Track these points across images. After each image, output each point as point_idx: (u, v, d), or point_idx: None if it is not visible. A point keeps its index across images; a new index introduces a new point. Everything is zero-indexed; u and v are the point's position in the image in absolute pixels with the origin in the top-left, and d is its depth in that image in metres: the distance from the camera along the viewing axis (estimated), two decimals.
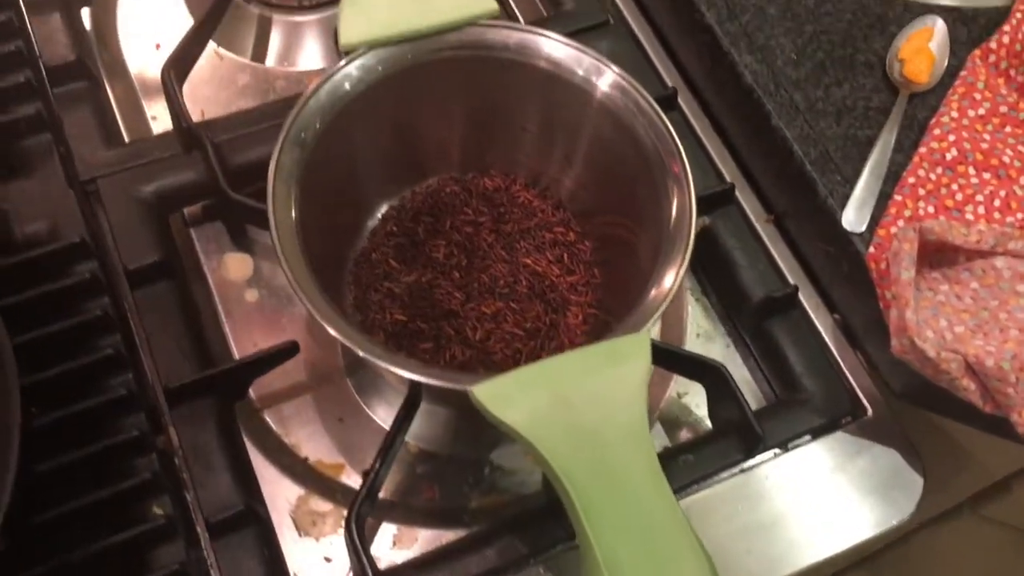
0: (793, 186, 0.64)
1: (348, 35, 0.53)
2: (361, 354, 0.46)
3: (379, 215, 0.61)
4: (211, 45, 0.72)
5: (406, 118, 0.58)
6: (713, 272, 0.67)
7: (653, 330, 0.66)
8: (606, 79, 0.55)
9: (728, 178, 0.67)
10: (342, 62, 0.53)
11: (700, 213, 0.65)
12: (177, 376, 0.57)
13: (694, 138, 0.68)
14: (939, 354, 0.53)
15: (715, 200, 0.65)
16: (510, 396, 0.44)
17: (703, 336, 0.66)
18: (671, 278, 0.48)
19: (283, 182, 0.49)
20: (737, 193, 0.67)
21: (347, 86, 0.53)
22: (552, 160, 0.61)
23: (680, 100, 0.70)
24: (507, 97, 0.58)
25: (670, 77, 0.71)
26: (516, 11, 0.78)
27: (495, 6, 0.55)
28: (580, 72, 0.55)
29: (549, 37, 0.56)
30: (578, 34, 0.71)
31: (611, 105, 0.55)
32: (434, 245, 0.59)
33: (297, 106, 0.51)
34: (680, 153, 0.52)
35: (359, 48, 0.54)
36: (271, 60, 0.74)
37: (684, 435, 0.64)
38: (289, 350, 0.57)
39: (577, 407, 0.44)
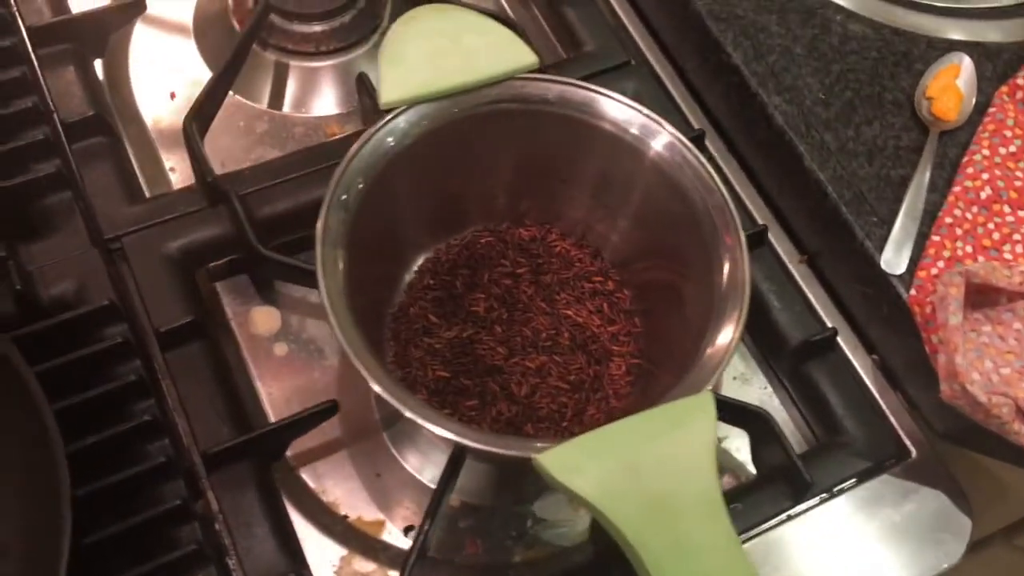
0: (827, 227, 0.64)
1: (389, 94, 0.52)
2: (423, 424, 0.45)
3: (415, 268, 0.60)
4: (228, 93, 0.71)
5: (449, 171, 0.57)
6: (749, 315, 0.66)
7: None
8: (660, 139, 0.55)
9: (759, 219, 0.67)
10: (383, 120, 0.52)
11: None
12: (214, 440, 0.55)
13: (723, 180, 0.68)
14: (990, 399, 0.53)
15: (748, 241, 0.65)
16: (576, 464, 0.43)
17: (740, 379, 0.66)
18: (727, 340, 0.48)
19: (330, 246, 0.48)
20: (769, 235, 0.66)
21: (390, 142, 0.52)
22: (596, 213, 0.60)
23: (707, 141, 0.70)
24: (549, 150, 0.57)
25: (695, 118, 0.71)
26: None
27: (535, 59, 0.54)
28: (633, 130, 0.55)
29: (596, 92, 0.55)
30: (600, 75, 0.71)
31: (663, 165, 0.54)
32: (473, 299, 0.58)
33: (341, 167, 0.51)
34: (736, 223, 0.52)
35: (400, 106, 0.53)
36: (288, 107, 0.73)
37: (727, 481, 0.63)
38: (328, 410, 0.55)
39: (645, 474, 0.43)
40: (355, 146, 0.51)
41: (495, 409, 0.55)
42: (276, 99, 0.73)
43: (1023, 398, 0.53)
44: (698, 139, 0.68)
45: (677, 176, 0.54)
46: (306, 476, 0.60)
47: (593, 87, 0.56)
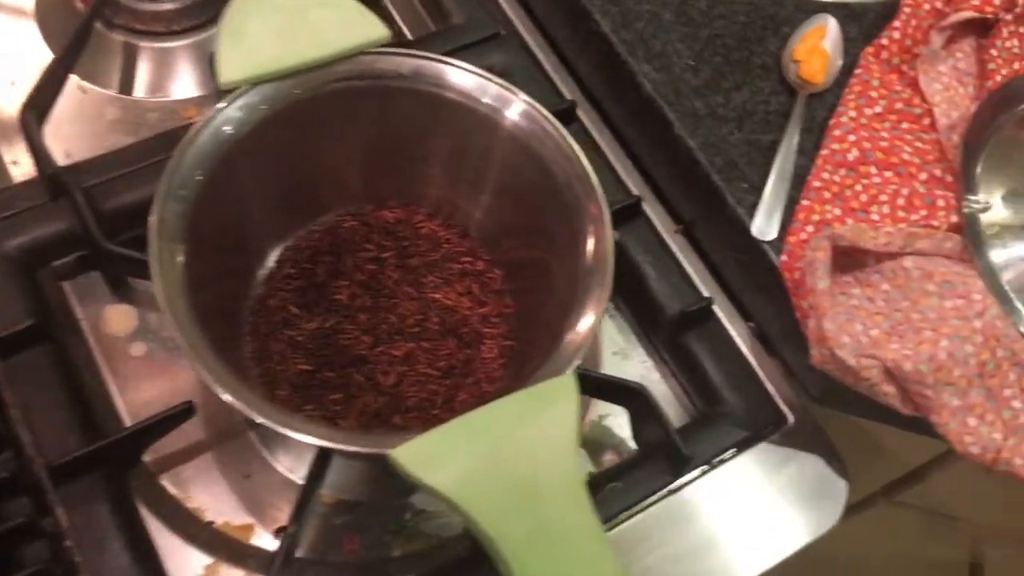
0: (700, 195, 0.63)
1: (228, 72, 0.49)
2: (262, 421, 0.42)
3: (274, 258, 0.57)
4: (73, 78, 0.67)
5: (298, 155, 0.54)
6: (625, 288, 0.65)
7: None
8: (514, 108, 0.53)
9: (634, 190, 0.66)
10: (221, 103, 0.49)
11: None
12: (62, 450, 0.52)
13: (596, 151, 0.66)
14: (859, 362, 0.53)
15: (622, 214, 0.64)
16: (434, 456, 0.41)
17: (619, 354, 0.65)
18: (590, 318, 0.46)
19: (167, 241, 0.45)
20: (644, 205, 0.65)
21: (229, 129, 0.49)
22: (457, 189, 0.58)
23: (580, 112, 0.68)
24: (403, 127, 0.55)
25: (568, 89, 0.69)
26: (403, 26, 0.75)
27: (386, 32, 0.52)
28: (485, 100, 0.53)
29: (447, 63, 0.53)
30: (468, 48, 0.68)
31: (519, 134, 0.52)
32: (336, 287, 0.56)
33: (174, 159, 0.47)
34: (598, 193, 0.50)
35: (241, 85, 0.50)
36: (141, 91, 0.69)
37: (609, 458, 0.62)
38: (183, 412, 0.52)
39: (506, 462, 0.41)
40: (189, 135, 0.48)
41: (361, 401, 0.52)
42: (127, 83, 0.69)
43: (891, 359, 0.53)
44: (569, 110, 0.66)
45: (536, 147, 0.52)
46: (168, 483, 0.57)
47: (445, 59, 0.53)
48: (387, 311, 0.55)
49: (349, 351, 0.53)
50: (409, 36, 0.74)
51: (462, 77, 0.53)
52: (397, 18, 0.75)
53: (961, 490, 0.56)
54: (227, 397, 0.43)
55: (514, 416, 0.43)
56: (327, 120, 0.53)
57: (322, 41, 0.50)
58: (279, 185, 0.54)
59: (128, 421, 0.57)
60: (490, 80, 0.53)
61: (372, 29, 0.51)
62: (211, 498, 0.57)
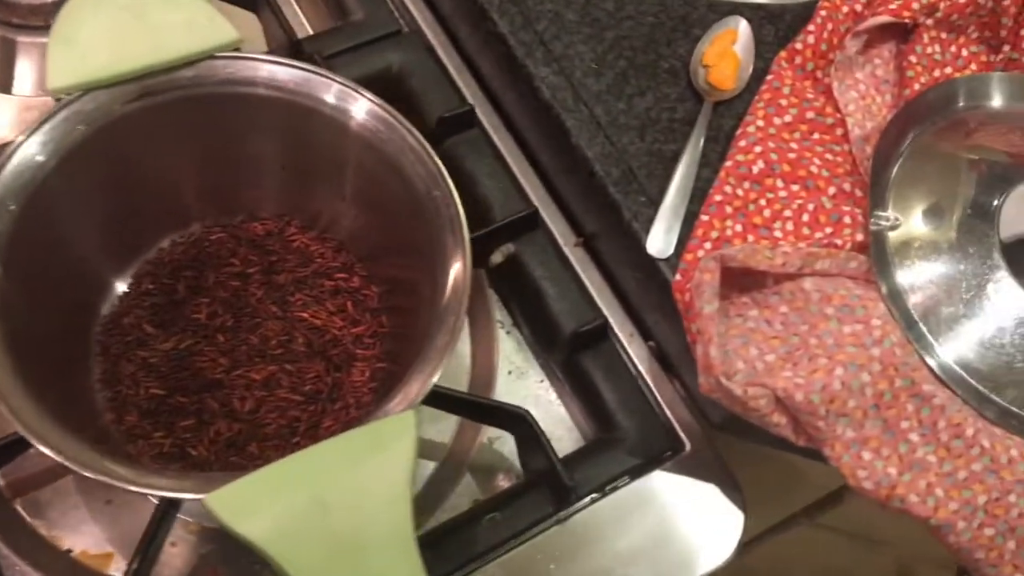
0: (599, 208, 0.60)
1: (58, 78, 0.45)
2: (61, 460, 0.39)
3: (131, 272, 0.54)
4: None
5: (146, 166, 0.51)
6: (522, 303, 0.62)
7: (461, 375, 0.61)
8: (360, 107, 0.49)
9: (534, 199, 0.62)
10: (21, 136, 0.45)
11: (505, 239, 0.61)
12: None
13: (496, 157, 0.63)
14: (746, 391, 0.50)
15: (519, 226, 0.60)
16: (251, 504, 0.38)
17: (515, 373, 0.62)
18: (435, 364, 0.43)
19: None
20: (544, 216, 0.62)
21: (40, 156, 0.45)
22: (328, 201, 0.54)
23: (481, 115, 0.65)
24: (257, 134, 0.51)
25: (470, 91, 0.66)
26: (305, 23, 0.72)
27: (236, 35, 0.48)
28: (331, 101, 0.49)
29: (296, 67, 0.49)
30: (367, 45, 0.65)
31: (371, 138, 0.49)
32: (196, 304, 0.52)
33: None
34: (459, 219, 0.47)
35: (73, 92, 0.46)
36: (22, 88, 0.66)
37: (501, 482, 0.59)
38: (17, 442, 0.49)
39: (333, 509, 0.38)
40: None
41: (213, 429, 0.49)
42: (4, 80, 0.65)
43: (782, 388, 0.50)
44: (466, 115, 0.63)
45: (393, 154, 0.49)
46: (23, 509, 0.54)
47: (299, 64, 0.50)
48: (248, 331, 0.52)
49: (204, 374, 0.50)
50: (310, 31, 0.71)
51: (303, 78, 0.49)
52: (300, 13, 0.72)
53: (881, 514, 0.53)
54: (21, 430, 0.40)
55: (344, 458, 0.39)
56: (175, 129, 0.49)
57: (164, 45, 0.46)
58: (127, 198, 0.51)
59: None
60: (344, 85, 0.49)
61: (220, 32, 0.47)
62: (70, 526, 0.54)
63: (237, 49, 0.48)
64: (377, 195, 0.51)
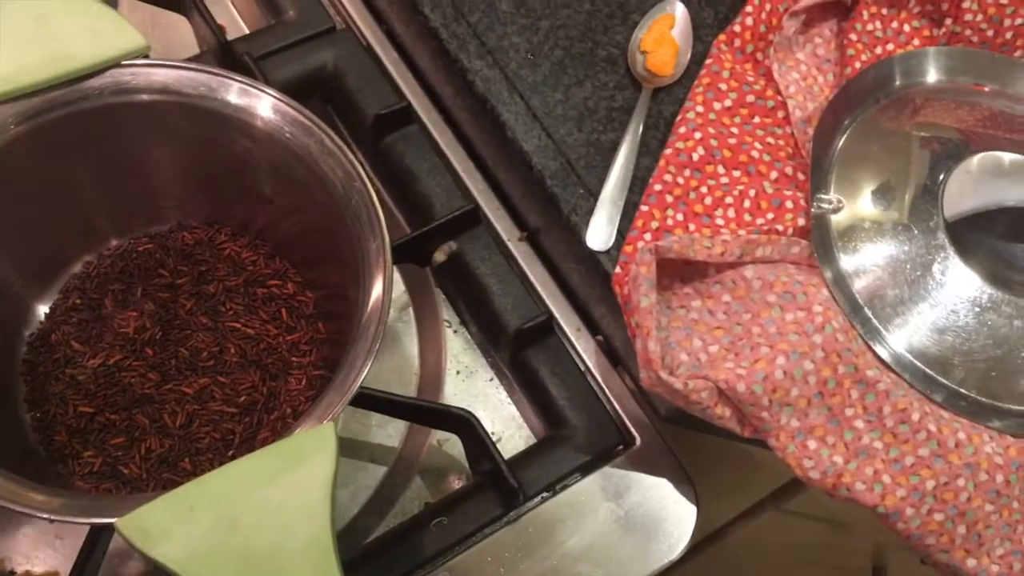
0: (539, 202, 0.59)
1: None
2: None
3: (58, 288, 0.53)
4: None
5: (54, 180, 0.49)
6: (468, 301, 0.61)
7: (409, 377, 0.60)
8: (264, 104, 0.48)
9: (475, 195, 0.61)
10: None
11: (447, 236, 0.60)
12: None
13: (436, 154, 0.62)
14: (687, 385, 0.49)
15: (460, 222, 0.59)
16: (164, 526, 0.37)
17: (464, 373, 0.61)
18: (353, 377, 0.42)
19: None
20: (486, 211, 0.61)
21: None
22: (247, 204, 0.53)
23: (420, 111, 0.63)
24: (166, 141, 0.50)
25: (408, 87, 0.64)
26: (241, 21, 0.70)
27: (142, 42, 0.47)
28: (234, 101, 0.48)
29: (196, 70, 0.48)
30: (302, 43, 0.64)
31: (281, 138, 0.48)
32: (123, 318, 0.51)
33: None
34: (378, 220, 0.45)
35: None
36: None
37: (453, 483, 0.59)
38: None
39: (248, 527, 0.37)
40: None
41: (144, 445, 0.48)
42: None
43: (723, 379, 0.49)
44: (404, 112, 0.62)
45: (311, 159, 0.47)
46: None
47: (200, 66, 0.48)
48: (178, 344, 0.51)
49: (135, 390, 0.49)
50: (246, 30, 0.69)
51: (208, 81, 0.48)
52: (234, 11, 0.71)
53: None
54: None
55: (259, 476, 0.39)
56: (72, 143, 0.48)
57: (66, 55, 0.45)
58: (28, 220, 0.50)
59: None
60: (232, 79, 0.48)
61: (126, 40, 0.46)
62: (15, 543, 0.53)
63: (146, 56, 0.47)
64: (299, 198, 0.50)
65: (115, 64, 0.46)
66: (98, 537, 0.47)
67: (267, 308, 0.53)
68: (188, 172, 0.52)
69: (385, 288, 0.44)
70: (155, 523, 0.37)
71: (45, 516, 0.39)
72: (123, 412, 0.49)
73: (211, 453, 0.49)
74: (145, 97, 0.47)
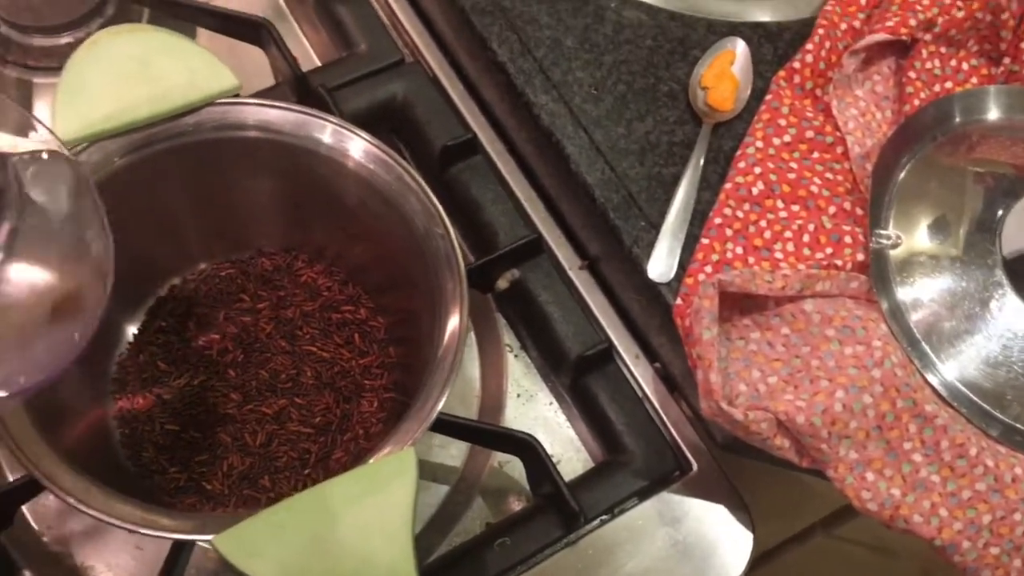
0: (600, 232, 0.60)
1: (65, 130, 0.46)
2: (71, 503, 0.40)
3: (143, 312, 0.55)
4: None
5: (150, 210, 0.52)
6: (529, 327, 0.62)
7: (471, 400, 0.62)
8: (356, 146, 0.50)
9: (538, 224, 0.63)
10: None
11: (510, 264, 0.62)
12: None
13: (500, 184, 0.64)
14: (747, 415, 0.50)
15: (523, 251, 0.61)
16: (258, 543, 0.39)
17: (524, 396, 0.63)
18: (432, 405, 0.44)
19: None
20: (548, 240, 0.63)
21: None
22: (329, 235, 0.56)
23: (484, 142, 0.66)
24: (258, 175, 0.52)
25: (473, 119, 0.67)
26: (313, 54, 0.73)
27: (236, 82, 0.49)
28: (326, 140, 0.50)
29: (292, 110, 0.50)
30: (372, 76, 0.66)
31: (369, 176, 0.50)
32: (207, 341, 0.54)
33: None
34: (456, 259, 0.48)
35: (80, 143, 0.48)
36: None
37: (512, 505, 0.60)
38: (34, 483, 0.51)
39: (335, 548, 0.39)
40: None
41: (227, 463, 0.51)
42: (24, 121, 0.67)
43: (783, 411, 0.51)
44: (470, 143, 0.64)
45: (394, 196, 0.50)
46: (52, 542, 0.56)
47: (297, 107, 0.51)
48: (259, 366, 0.53)
49: (217, 409, 0.52)
50: (317, 62, 0.72)
51: (300, 121, 0.50)
52: (307, 44, 0.73)
53: None
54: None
55: (346, 498, 0.41)
56: (170, 175, 0.50)
57: (167, 94, 0.48)
58: (126, 247, 0.52)
59: (9, 476, 0.56)
60: (341, 127, 0.51)
61: (221, 79, 0.49)
62: (97, 552, 0.56)
63: (237, 95, 0.50)
64: (378, 231, 0.52)
65: (210, 102, 0.49)
66: (180, 551, 0.50)
67: (341, 333, 0.55)
68: (273, 202, 0.54)
69: (461, 323, 0.46)
70: (250, 540, 0.39)
71: (155, 534, 0.41)
72: (207, 430, 0.51)
73: (288, 471, 0.51)
74: (241, 133, 0.50)
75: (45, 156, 0.41)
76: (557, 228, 0.64)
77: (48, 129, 0.40)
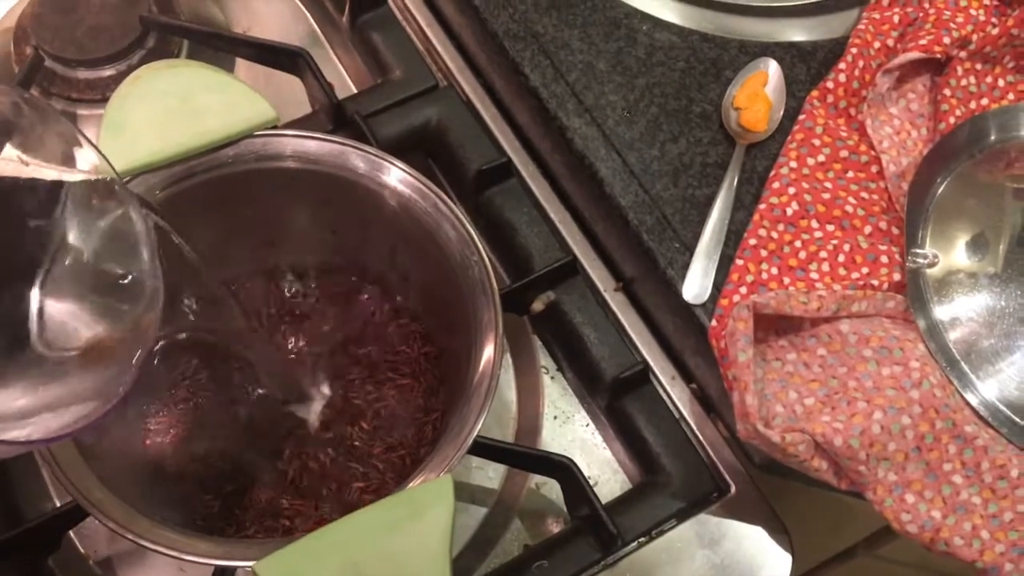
0: (635, 254, 0.61)
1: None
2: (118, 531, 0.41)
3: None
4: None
5: (197, 238, 0.53)
6: (565, 349, 0.63)
7: (507, 422, 0.62)
8: (393, 175, 0.51)
9: (572, 246, 0.64)
10: None
11: (545, 287, 0.62)
12: None
13: (534, 207, 0.64)
14: (784, 438, 0.50)
15: (558, 273, 0.62)
16: (298, 569, 0.40)
17: (561, 418, 0.63)
18: (466, 435, 0.44)
19: None
20: (583, 262, 0.63)
21: None
22: (365, 260, 0.57)
23: (519, 165, 0.66)
24: (298, 204, 0.54)
25: (507, 142, 0.67)
26: (349, 81, 0.74)
27: (274, 114, 0.50)
28: (363, 170, 0.51)
29: (330, 141, 0.52)
30: (407, 101, 0.67)
31: (408, 204, 0.51)
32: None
33: None
34: (492, 288, 0.48)
35: (124, 176, 0.49)
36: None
37: (550, 526, 0.61)
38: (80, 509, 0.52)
39: (373, 574, 0.40)
40: None
41: (256, 491, 0.51)
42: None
43: (820, 433, 0.51)
44: (505, 166, 0.65)
45: (431, 224, 0.51)
46: (98, 567, 0.57)
47: (334, 138, 0.52)
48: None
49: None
50: (354, 89, 0.73)
51: (346, 153, 0.51)
52: (342, 70, 0.75)
53: None
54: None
55: (382, 525, 0.41)
56: (210, 205, 0.52)
57: (206, 127, 0.49)
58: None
59: (55, 497, 0.57)
60: (384, 159, 0.52)
61: (260, 112, 0.50)
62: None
63: (275, 126, 0.51)
64: (414, 257, 0.53)
65: (248, 135, 0.50)
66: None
67: (387, 359, 0.56)
68: (311, 230, 0.55)
69: (496, 350, 0.46)
70: (291, 566, 0.40)
71: (202, 561, 0.42)
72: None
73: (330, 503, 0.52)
74: (279, 164, 0.51)
75: (101, 189, 0.42)
76: (591, 250, 0.64)
77: (104, 158, 0.41)
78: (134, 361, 0.42)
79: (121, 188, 0.45)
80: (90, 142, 0.44)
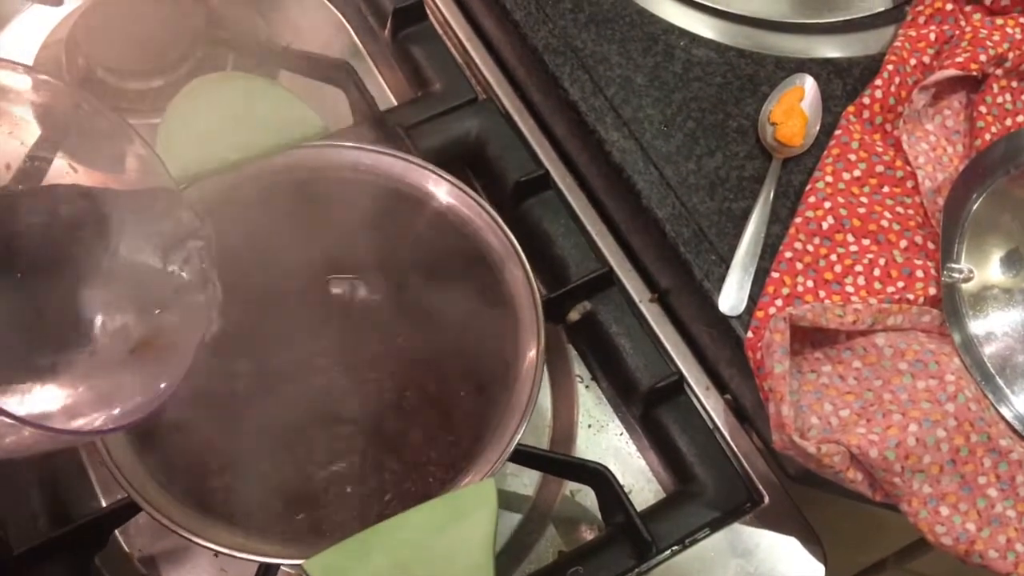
0: (671, 266, 0.62)
1: None
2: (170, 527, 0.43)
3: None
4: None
5: (249, 246, 0.55)
6: (600, 358, 0.64)
7: (542, 430, 0.63)
8: (442, 189, 0.53)
9: (608, 257, 0.65)
10: None
11: (581, 297, 0.63)
12: (28, 537, 0.53)
13: (571, 218, 0.65)
14: (820, 449, 0.51)
15: (594, 284, 0.63)
16: (344, 568, 0.41)
17: (595, 427, 0.64)
18: (513, 424, 0.45)
19: None
20: (618, 273, 0.64)
21: None
22: (410, 267, 0.58)
23: (556, 177, 0.67)
24: (346, 214, 0.55)
25: (544, 154, 0.68)
26: (389, 94, 0.75)
27: (323, 125, 0.52)
28: (412, 181, 0.53)
29: (380, 152, 0.53)
30: (446, 114, 0.68)
31: (451, 215, 0.52)
32: None
33: None
34: (535, 297, 0.49)
35: (179, 184, 0.50)
36: None
37: (584, 533, 0.61)
38: (131, 506, 0.53)
39: (417, 573, 0.41)
40: None
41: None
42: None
43: (856, 445, 0.51)
44: (541, 179, 0.66)
45: (475, 233, 0.52)
46: (141, 563, 0.58)
47: (384, 150, 0.54)
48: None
49: None
50: (394, 102, 0.75)
51: (394, 164, 0.53)
52: (383, 82, 0.76)
53: None
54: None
55: (428, 527, 0.42)
56: (266, 214, 0.53)
57: (258, 138, 0.50)
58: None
59: (103, 501, 0.59)
60: (423, 167, 0.53)
61: (308, 123, 0.51)
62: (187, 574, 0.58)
63: (323, 137, 0.52)
64: (458, 265, 0.54)
65: (298, 145, 0.52)
66: (266, 574, 0.52)
67: (420, 368, 0.57)
68: (359, 237, 0.57)
69: (539, 356, 0.47)
70: (338, 565, 0.41)
71: (252, 558, 0.43)
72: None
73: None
74: (332, 174, 0.52)
75: (159, 194, 0.43)
76: (627, 261, 0.65)
77: (163, 164, 0.42)
78: (185, 360, 0.43)
79: (177, 194, 0.47)
80: (150, 148, 0.45)
